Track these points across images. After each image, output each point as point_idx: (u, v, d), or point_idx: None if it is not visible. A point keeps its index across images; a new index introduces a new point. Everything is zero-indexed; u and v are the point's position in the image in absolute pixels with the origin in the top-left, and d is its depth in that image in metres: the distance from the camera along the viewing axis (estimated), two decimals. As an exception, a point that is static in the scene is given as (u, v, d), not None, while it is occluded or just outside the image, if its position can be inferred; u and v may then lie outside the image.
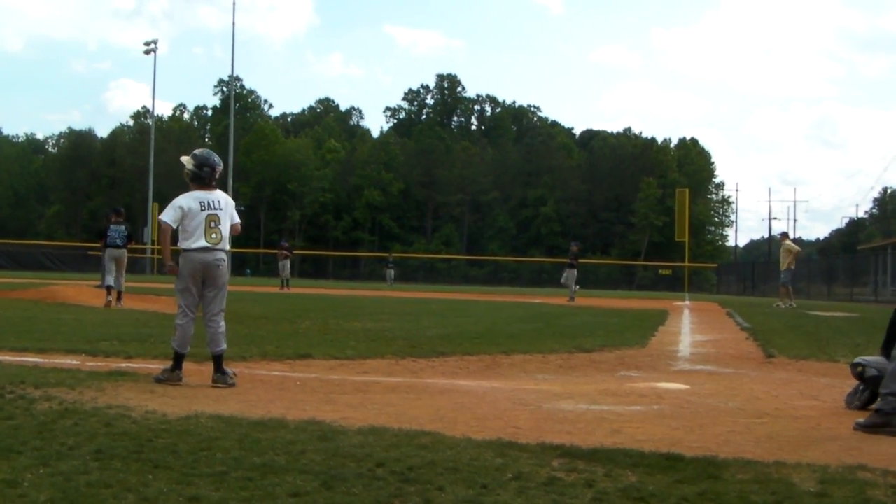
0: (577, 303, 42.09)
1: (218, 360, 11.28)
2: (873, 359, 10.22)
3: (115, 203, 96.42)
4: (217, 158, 11.94)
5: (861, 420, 8.85)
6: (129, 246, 29.19)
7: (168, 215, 11.41)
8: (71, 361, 12.26)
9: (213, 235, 11.36)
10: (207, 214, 11.40)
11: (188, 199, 11.47)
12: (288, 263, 52.45)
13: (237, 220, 11.78)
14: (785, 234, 39.73)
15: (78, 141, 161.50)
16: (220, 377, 11.11)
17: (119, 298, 27.94)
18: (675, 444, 7.58)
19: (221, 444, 6.83)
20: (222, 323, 11.54)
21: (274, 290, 48.31)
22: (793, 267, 38.21)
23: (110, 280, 28.04)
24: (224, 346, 11.43)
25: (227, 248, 11.55)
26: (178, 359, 11.30)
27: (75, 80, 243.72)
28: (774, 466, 6.64)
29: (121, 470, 5.93)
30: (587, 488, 5.88)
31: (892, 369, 8.91)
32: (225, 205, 11.56)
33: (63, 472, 5.83)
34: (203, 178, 11.67)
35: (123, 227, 28.93)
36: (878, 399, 8.96)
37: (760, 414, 9.89)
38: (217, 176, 11.76)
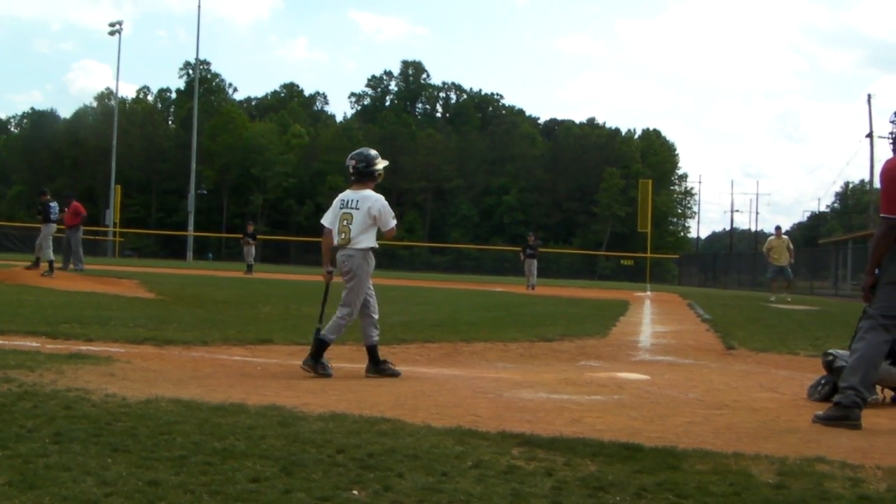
0: (538, 291, 42.30)
1: (369, 352, 11.52)
2: (844, 352, 10.31)
3: (78, 184, 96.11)
4: (354, 154, 11.91)
5: (820, 413, 8.92)
6: None
7: (325, 217, 11.80)
8: (31, 344, 12.19)
9: (342, 235, 11.52)
10: (342, 213, 11.58)
11: (336, 199, 11.79)
12: (252, 249, 51.89)
13: (389, 226, 11.61)
14: (780, 229, 39.76)
15: (40, 122, 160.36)
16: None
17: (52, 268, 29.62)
18: (635, 434, 7.61)
19: (181, 429, 6.82)
20: (343, 315, 11.58)
21: (237, 274, 48.10)
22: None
23: (51, 254, 29.25)
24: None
25: (359, 246, 11.47)
26: (368, 353, 11.65)
27: (38, 60, 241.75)
28: (733, 458, 6.68)
29: (80, 453, 5.91)
30: (547, 477, 5.90)
31: (850, 363, 8.98)
32: (364, 206, 11.48)
33: (22, 455, 5.80)
34: (350, 177, 11.84)
35: (55, 203, 31.03)
36: (838, 392, 9.02)
37: (720, 405, 9.95)
38: (353, 173, 11.77)
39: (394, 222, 11.65)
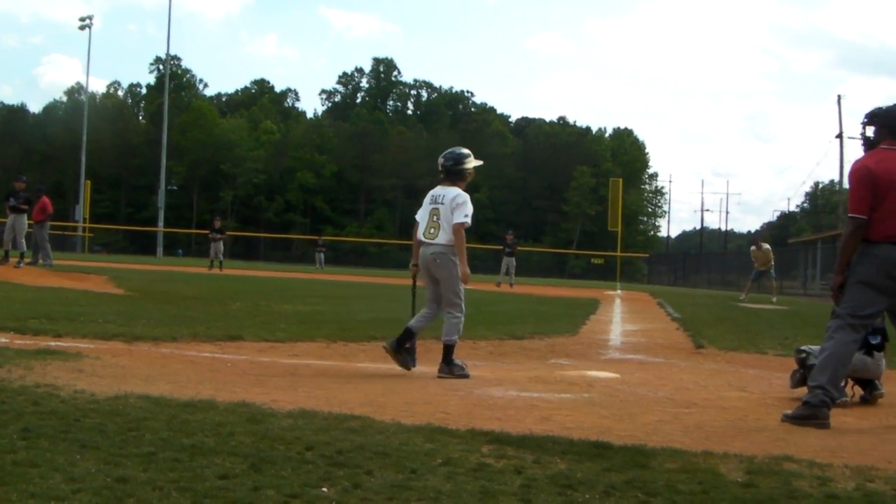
0: (506, 289, 42.49)
1: (444, 351, 11.62)
2: (817, 348, 10.39)
3: (48, 179, 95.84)
4: (445, 153, 12.12)
5: (788, 412, 8.96)
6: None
7: (418, 212, 11.95)
8: (-1, 339, 12.13)
9: (431, 230, 11.65)
10: (431, 209, 11.73)
11: (427, 195, 11.98)
12: (220, 245, 51.49)
13: (458, 219, 11.57)
14: (758, 240, 40.66)
15: (10, 116, 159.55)
16: (444, 367, 11.46)
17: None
18: (604, 432, 7.62)
19: (150, 425, 6.79)
20: (455, 314, 11.76)
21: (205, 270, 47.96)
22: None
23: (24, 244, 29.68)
24: (451, 336, 11.68)
25: (447, 241, 11.56)
26: (403, 330, 11.89)
27: (7, 54, 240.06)
28: (702, 456, 6.69)
29: (48, 449, 5.87)
30: (516, 475, 5.89)
31: (819, 362, 9.02)
32: (448, 200, 11.61)
33: (-11, 451, 5.77)
34: (440, 174, 11.99)
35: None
36: (807, 391, 9.06)
37: (689, 404, 9.97)
38: (442, 170, 11.96)
39: (465, 219, 11.59)
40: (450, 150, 12.11)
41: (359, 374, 11.20)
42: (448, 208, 11.54)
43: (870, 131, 9.30)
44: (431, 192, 11.90)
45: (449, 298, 11.72)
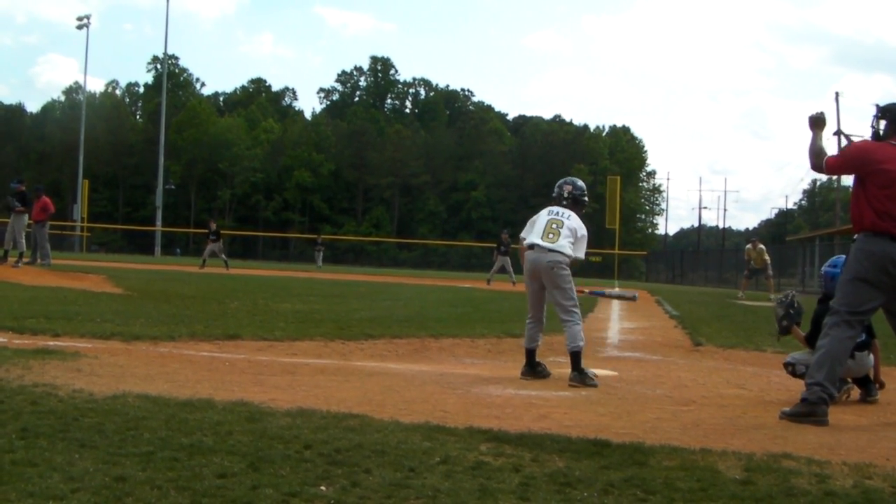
0: (502, 287, 42.39)
1: (572, 359, 11.39)
2: (801, 355, 10.44)
3: (45, 179, 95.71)
4: (570, 181, 12.36)
5: (786, 409, 8.95)
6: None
7: (526, 230, 12.14)
8: (-3, 338, 12.11)
9: (550, 235, 11.66)
10: (550, 219, 11.81)
11: (542, 212, 12.09)
12: (219, 245, 51.09)
13: (579, 254, 11.81)
14: (755, 239, 41.29)
15: (6, 116, 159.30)
16: (576, 376, 11.22)
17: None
18: (603, 430, 7.63)
19: (148, 424, 6.79)
20: (572, 324, 11.60)
21: (207, 269, 47.75)
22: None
23: (24, 244, 29.79)
24: (576, 343, 11.44)
25: (565, 251, 11.59)
26: (526, 354, 11.88)
27: (3, 53, 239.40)
28: (700, 454, 6.70)
29: (46, 449, 5.87)
30: (514, 473, 5.90)
31: (815, 360, 9.01)
32: (575, 225, 11.77)
33: (-12, 450, 5.77)
34: (563, 201, 12.10)
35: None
36: (804, 389, 9.06)
37: (687, 401, 9.98)
38: (567, 197, 12.12)
39: (583, 255, 11.87)
40: (574, 179, 12.39)
41: (357, 373, 11.15)
42: (572, 230, 11.67)
43: (881, 124, 9.32)
44: (549, 208, 11.96)
45: (565, 307, 11.66)
